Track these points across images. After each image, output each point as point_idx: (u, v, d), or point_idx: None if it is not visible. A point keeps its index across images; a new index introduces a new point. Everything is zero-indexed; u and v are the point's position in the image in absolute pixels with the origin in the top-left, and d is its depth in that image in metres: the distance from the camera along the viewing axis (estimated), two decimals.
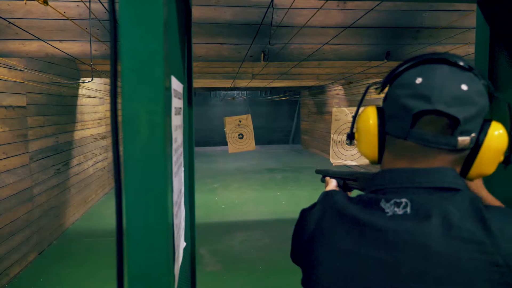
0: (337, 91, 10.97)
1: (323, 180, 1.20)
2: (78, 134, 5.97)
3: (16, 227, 3.98)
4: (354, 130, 0.77)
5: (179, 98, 0.83)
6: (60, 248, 4.74)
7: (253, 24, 2.75)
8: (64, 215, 5.31)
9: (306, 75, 6.61)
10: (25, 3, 2.40)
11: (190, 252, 1.10)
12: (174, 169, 0.73)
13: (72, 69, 5.73)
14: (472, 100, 0.63)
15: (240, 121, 8.49)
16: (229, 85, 9.12)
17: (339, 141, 6.31)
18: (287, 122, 16.23)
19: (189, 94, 1.04)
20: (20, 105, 4.12)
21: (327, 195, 0.77)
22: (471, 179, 0.70)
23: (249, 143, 8.30)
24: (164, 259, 0.48)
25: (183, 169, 0.91)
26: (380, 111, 0.71)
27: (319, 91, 12.62)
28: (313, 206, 0.81)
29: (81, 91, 6.13)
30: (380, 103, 0.76)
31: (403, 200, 0.63)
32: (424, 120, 0.63)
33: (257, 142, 15.08)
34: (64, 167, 5.37)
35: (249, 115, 8.58)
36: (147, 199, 0.46)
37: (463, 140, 0.63)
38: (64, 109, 5.43)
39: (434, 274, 0.58)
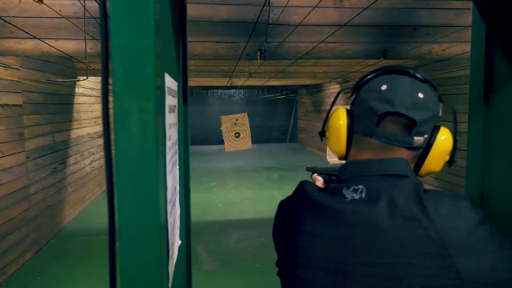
0: (334, 89, 10.98)
1: (311, 177, 1.23)
2: (74, 133, 5.95)
3: (13, 226, 3.96)
4: (325, 128, 0.87)
5: (174, 96, 0.83)
6: (57, 246, 4.73)
7: (249, 22, 2.74)
8: (61, 213, 5.30)
9: (303, 74, 6.61)
10: (20, 1, 2.38)
11: (186, 250, 1.09)
12: (169, 167, 0.73)
13: (69, 67, 5.71)
14: (427, 106, 0.75)
15: (236, 120, 8.62)
16: (226, 84, 9.11)
17: None
18: (284, 120, 16.23)
19: (184, 92, 1.04)
20: (17, 103, 4.10)
21: (299, 185, 0.86)
22: (422, 176, 0.80)
23: (245, 142, 8.44)
24: (156, 257, 0.48)
25: (178, 167, 0.91)
26: (349, 112, 0.81)
27: (316, 89, 12.62)
28: (288, 197, 0.91)
29: (78, 90, 6.11)
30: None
31: (360, 186, 0.73)
32: (387, 120, 0.75)
33: (254, 140, 15.07)
34: (60, 166, 5.35)
35: (246, 114, 8.66)
36: (138, 197, 0.46)
37: (418, 139, 0.75)
38: (60, 107, 5.41)
39: (380, 248, 0.67)
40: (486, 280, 0.65)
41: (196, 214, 5.81)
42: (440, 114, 0.79)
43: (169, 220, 0.72)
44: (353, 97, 0.84)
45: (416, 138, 0.75)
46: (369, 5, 2.59)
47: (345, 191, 0.75)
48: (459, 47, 3.53)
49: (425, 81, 0.77)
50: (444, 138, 0.77)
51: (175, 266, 0.86)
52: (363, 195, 0.72)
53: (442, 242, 0.65)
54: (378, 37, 3.27)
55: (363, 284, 0.68)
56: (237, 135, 8.60)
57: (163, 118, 0.65)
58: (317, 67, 5.96)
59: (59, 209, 5.24)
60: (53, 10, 2.55)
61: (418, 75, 0.77)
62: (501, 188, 1.09)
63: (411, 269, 0.65)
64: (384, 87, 0.76)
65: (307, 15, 2.71)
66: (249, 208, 6.36)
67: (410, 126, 0.74)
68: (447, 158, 0.80)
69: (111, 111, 0.46)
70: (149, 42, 0.43)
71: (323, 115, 11.67)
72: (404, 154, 0.76)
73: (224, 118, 8.63)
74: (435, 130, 0.77)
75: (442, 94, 0.83)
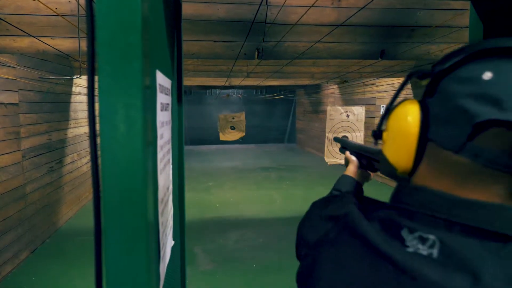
0: (332, 90, 10.98)
1: (342, 151, 1.11)
2: (71, 132, 5.93)
3: (9, 225, 3.94)
4: (383, 127, 0.61)
5: (167, 94, 0.81)
6: (53, 246, 4.71)
7: (247, 22, 2.73)
8: (57, 213, 5.28)
9: (301, 74, 6.60)
10: None
11: (180, 250, 1.08)
12: (160, 166, 0.71)
13: (66, 66, 5.68)
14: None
15: (233, 118, 8.91)
16: (224, 84, 9.10)
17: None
18: (282, 121, 16.23)
19: (179, 90, 1.02)
20: (12, 102, 4.07)
21: (345, 214, 0.62)
22: None
23: (239, 134, 8.85)
24: (143, 258, 0.47)
25: (171, 166, 0.89)
26: (424, 110, 0.53)
27: (314, 90, 12.62)
28: (326, 204, 0.71)
29: (75, 89, 6.09)
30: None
31: (431, 237, 0.48)
32: (490, 133, 0.46)
33: (252, 140, 15.09)
34: (57, 165, 5.33)
35: (243, 113, 8.88)
36: (125, 196, 0.44)
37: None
38: (57, 106, 5.38)
39: None
40: None
41: (193, 214, 5.80)
42: None
43: (161, 220, 0.71)
44: (425, 82, 0.56)
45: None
46: (365, 5, 2.58)
47: (405, 235, 0.50)
48: (457, 47, 3.52)
49: None
50: None
51: (168, 267, 0.85)
52: (435, 252, 0.47)
53: None
54: (375, 37, 3.27)
55: None
56: (232, 127, 8.87)
57: (154, 115, 0.64)
58: (315, 67, 5.96)
59: (56, 209, 5.22)
60: (49, 8, 2.54)
61: None
62: None
63: None
64: (487, 76, 0.47)
65: (304, 14, 2.71)
66: (247, 208, 6.35)
67: None
68: None
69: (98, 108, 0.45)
70: (135, 37, 0.41)
71: (321, 116, 11.67)
72: (508, 189, 0.48)
73: (221, 116, 8.84)
74: None
75: None
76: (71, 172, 5.87)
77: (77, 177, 6.16)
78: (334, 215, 0.64)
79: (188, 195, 7.41)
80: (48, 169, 4.99)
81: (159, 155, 0.69)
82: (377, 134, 0.62)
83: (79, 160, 6.26)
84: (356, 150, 1.03)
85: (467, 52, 0.50)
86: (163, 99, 0.75)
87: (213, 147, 14.64)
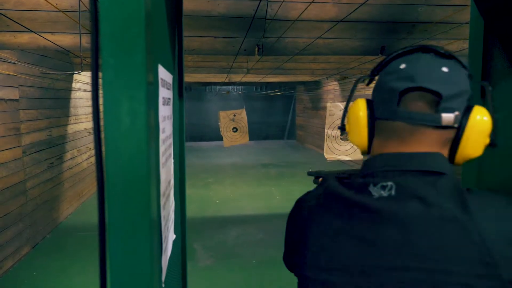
0: (332, 86, 10.97)
1: (315, 182, 1.18)
2: (71, 128, 5.93)
3: (9, 221, 3.95)
4: (345, 122, 0.80)
5: (168, 89, 0.82)
6: (53, 242, 4.72)
7: (247, 17, 2.73)
8: (58, 209, 5.29)
9: (301, 70, 6.59)
10: None
11: (181, 245, 1.09)
12: (162, 160, 0.72)
13: (66, 62, 5.68)
14: (453, 80, 0.66)
15: (234, 115, 8.56)
16: (224, 80, 9.09)
17: (333, 136, 6.30)
18: (282, 117, 16.21)
19: (180, 85, 1.03)
20: (13, 98, 4.07)
21: (322, 180, 0.79)
22: (459, 164, 0.71)
23: (243, 136, 8.49)
24: (147, 251, 0.47)
25: (172, 160, 0.90)
26: (369, 102, 0.74)
27: (314, 86, 12.61)
28: (307, 193, 0.83)
29: (75, 85, 6.08)
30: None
31: (389, 183, 0.66)
32: (409, 97, 0.67)
33: (252, 137, 15.06)
34: (57, 161, 5.33)
35: (244, 109, 8.66)
36: (129, 189, 0.45)
37: (447, 116, 0.65)
38: (57, 102, 5.38)
39: (414, 252, 0.61)
40: None
41: (193, 210, 5.81)
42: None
43: (162, 213, 0.71)
44: (372, 85, 0.78)
45: (444, 115, 0.65)
46: (366, 1, 2.58)
47: (371, 188, 0.67)
48: (457, 44, 3.52)
49: (450, 57, 0.69)
50: (480, 116, 0.67)
51: (170, 261, 0.86)
52: (393, 192, 0.65)
53: (486, 248, 0.58)
54: (376, 33, 3.26)
55: None
56: (234, 129, 8.61)
57: (156, 109, 0.64)
58: (315, 63, 5.95)
59: (56, 204, 5.23)
60: (50, 3, 2.53)
61: (441, 51, 0.69)
62: (498, 183, 1.09)
63: (448, 276, 0.58)
64: (403, 66, 0.69)
65: (304, 10, 2.70)
66: (247, 205, 6.36)
67: (436, 101, 0.65)
68: (487, 140, 0.69)
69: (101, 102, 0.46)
70: (139, 29, 0.42)
71: (321, 112, 11.66)
72: (433, 137, 0.67)
73: (222, 114, 8.63)
74: (468, 108, 0.67)
75: None
76: (71, 168, 5.88)
77: (78, 173, 6.16)
78: (317, 191, 0.78)
79: (188, 192, 7.33)
80: (48, 165, 5.00)
81: (161, 148, 0.70)
82: (342, 127, 0.80)
83: (79, 156, 6.26)
84: (326, 175, 1.08)
85: (389, 57, 0.74)
86: (165, 93, 0.75)
87: (213, 143, 14.64)
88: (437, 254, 0.59)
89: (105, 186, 0.46)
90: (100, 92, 0.45)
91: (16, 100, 4.15)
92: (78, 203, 6.16)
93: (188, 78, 9.05)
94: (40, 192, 4.73)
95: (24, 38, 3.04)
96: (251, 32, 2.94)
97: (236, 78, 8.26)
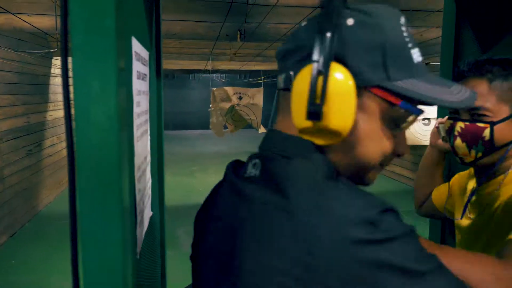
0: None
1: None
2: (51, 115, 5.81)
3: None
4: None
5: (144, 64, 0.82)
6: (32, 230, 4.66)
7: (227, 1, 2.71)
8: (37, 197, 5.20)
9: None
10: None
11: (160, 222, 1.10)
12: (137, 133, 0.72)
13: (43, 46, 5.53)
14: (297, 36, 0.55)
15: (240, 98, 5.66)
16: (207, 67, 9.00)
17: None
18: (266, 105, 16.20)
19: (158, 63, 1.03)
20: None
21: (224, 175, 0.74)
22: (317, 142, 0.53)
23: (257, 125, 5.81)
24: (117, 216, 0.48)
25: (148, 137, 0.91)
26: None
27: None
28: None
29: (54, 70, 5.94)
30: None
31: (257, 161, 0.59)
32: None
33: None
34: (36, 148, 5.23)
35: (261, 89, 5.84)
36: (97, 155, 0.46)
37: (280, 77, 0.59)
38: (36, 88, 5.26)
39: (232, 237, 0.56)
40: None
41: (177, 198, 5.80)
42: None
43: (137, 186, 0.72)
44: None
45: (279, 76, 0.59)
46: None
47: (248, 165, 0.62)
48: (436, 31, 3.58)
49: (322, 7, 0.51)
50: (303, 74, 0.50)
51: (146, 235, 0.87)
52: (257, 173, 0.57)
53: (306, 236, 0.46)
54: None
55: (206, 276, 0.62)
56: (237, 117, 5.90)
57: (129, 79, 0.65)
58: None
59: (35, 192, 5.15)
60: None
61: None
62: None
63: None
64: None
65: None
66: None
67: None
68: (304, 108, 0.50)
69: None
70: None
71: None
72: (286, 103, 0.58)
73: (217, 92, 5.68)
74: (304, 63, 0.51)
75: None
76: (50, 155, 5.78)
77: (57, 161, 6.06)
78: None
79: (171, 179, 7.36)
80: (26, 152, 4.90)
81: (136, 121, 0.70)
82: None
83: (59, 144, 6.15)
84: None
85: None
86: (139, 67, 0.76)
87: (197, 132, 14.55)
88: (257, 239, 0.51)
89: (76, 156, 0.47)
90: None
91: None
92: (58, 191, 6.08)
93: (171, 65, 8.91)
94: (19, 179, 4.64)
95: (0, 19, 2.96)
96: (232, 16, 2.92)
97: (220, 66, 8.21)
